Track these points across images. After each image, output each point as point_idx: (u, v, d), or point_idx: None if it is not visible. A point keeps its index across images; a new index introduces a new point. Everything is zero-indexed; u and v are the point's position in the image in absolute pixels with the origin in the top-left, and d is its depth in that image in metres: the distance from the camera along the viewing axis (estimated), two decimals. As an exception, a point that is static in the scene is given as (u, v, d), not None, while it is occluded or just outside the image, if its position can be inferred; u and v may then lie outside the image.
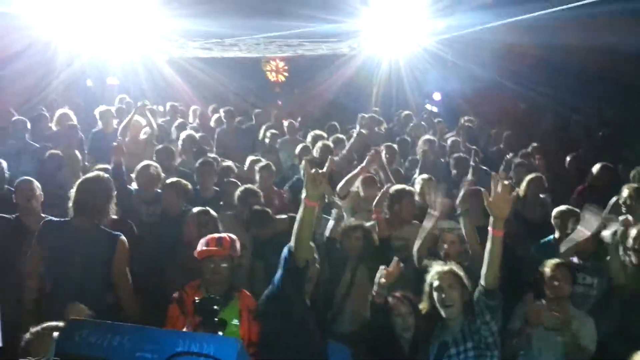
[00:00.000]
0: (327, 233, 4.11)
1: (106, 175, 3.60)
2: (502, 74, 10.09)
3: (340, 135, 6.94)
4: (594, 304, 3.76)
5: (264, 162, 5.53)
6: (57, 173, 5.15)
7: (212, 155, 6.23)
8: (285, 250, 2.77)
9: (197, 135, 7.02)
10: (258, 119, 9.25)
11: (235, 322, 2.91)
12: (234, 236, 3.19)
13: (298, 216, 2.70)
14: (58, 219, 3.44)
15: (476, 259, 3.35)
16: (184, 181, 4.60)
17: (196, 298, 2.30)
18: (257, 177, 5.29)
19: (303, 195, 2.67)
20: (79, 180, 3.52)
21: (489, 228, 2.67)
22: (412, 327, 3.00)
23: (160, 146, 5.99)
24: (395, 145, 6.66)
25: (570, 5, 6.32)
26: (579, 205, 4.50)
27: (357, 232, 3.91)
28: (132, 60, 11.11)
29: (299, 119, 9.21)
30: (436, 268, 3.01)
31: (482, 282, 2.75)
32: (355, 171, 4.85)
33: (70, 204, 3.37)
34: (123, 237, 3.37)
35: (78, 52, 10.13)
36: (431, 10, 9.02)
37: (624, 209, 4.48)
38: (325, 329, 3.42)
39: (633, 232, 3.54)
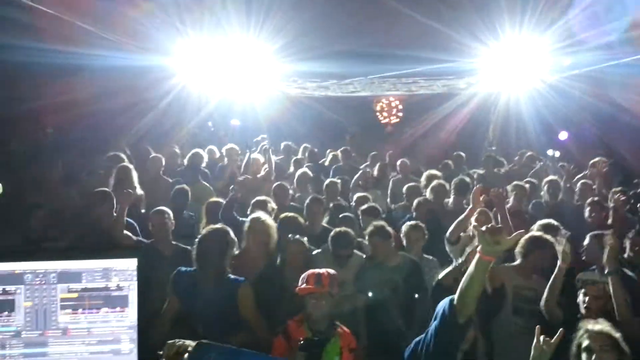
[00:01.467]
0: (439, 277, 3.96)
1: (227, 229, 3.79)
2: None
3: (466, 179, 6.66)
4: None
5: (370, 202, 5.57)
6: (185, 205, 5.63)
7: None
8: (446, 302, 2.60)
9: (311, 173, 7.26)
10: (373, 160, 9.31)
11: (336, 359, 2.95)
12: (333, 272, 3.22)
13: (469, 270, 2.49)
14: (186, 269, 3.66)
15: (622, 321, 3.04)
16: (298, 217, 4.76)
17: (301, 339, 2.33)
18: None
19: (478, 247, 2.47)
20: (200, 235, 3.78)
21: None
22: None
23: (277, 183, 6.29)
24: (527, 186, 6.29)
25: None
26: None
27: None
28: (252, 102, 11.88)
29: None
30: (587, 326, 2.71)
31: None
32: (465, 213, 4.69)
33: (194, 257, 3.63)
34: (246, 284, 3.52)
35: (207, 97, 11.12)
36: (554, 47, 8.61)
37: None
38: None
39: None
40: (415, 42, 8.00)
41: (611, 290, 3.37)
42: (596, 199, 5.76)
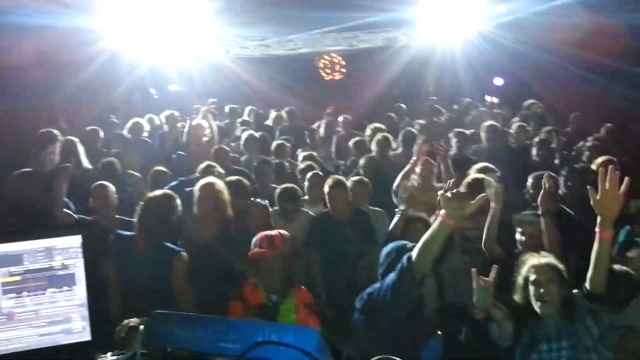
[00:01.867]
0: (389, 228, 4.08)
1: (170, 194, 3.72)
2: (565, 58, 9.59)
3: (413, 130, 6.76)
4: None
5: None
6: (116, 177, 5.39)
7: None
8: (404, 259, 2.64)
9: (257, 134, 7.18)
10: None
11: (293, 316, 3.02)
12: (284, 232, 3.24)
13: (431, 231, 2.55)
14: (127, 233, 3.61)
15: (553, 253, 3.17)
16: (244, 180, 4.72)
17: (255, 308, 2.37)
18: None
19: (442, 211, 2.52)
20: (144, 199, 3.69)
21: (596, 229, 2.48)
22: (511, 336, 2.75)
23: (217, 147, 6.20)
24: (468, 132, 6.48)
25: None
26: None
27: (417, 224, 3.84)
28: (190, 66, 11.43)
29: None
30: (532, 261, 2.81)
31: (587, 285, 2.61)
32: (409, 164, 4.81)
33: (135, 221, 3.56)
34: (183, 255, 3.49)
35: (139, 61, 10.56)
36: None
37: None
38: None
39: None
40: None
41: (544, 231, 3.53)
42: (543, 137, 6.03)
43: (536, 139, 6.08)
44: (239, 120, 8.90)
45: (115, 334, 2.72)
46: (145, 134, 7.35)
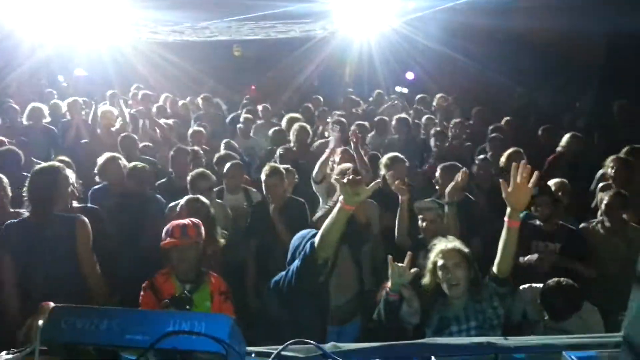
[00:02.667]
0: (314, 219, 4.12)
1: (58, 165, 3.58)
2: (468, 53, 10.24)
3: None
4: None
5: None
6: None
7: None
8: (307, 245, 2.68)
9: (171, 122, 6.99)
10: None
11: (207, 304, 2.97)
12: (197, 221, 3.16)
13: (330, 217, 2.57)
14: (17, 220, 3.39)
15: None
16: (146, 166, 4.60)
17: (167, 300, 2.51)
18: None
19: (340, 197, 2.56)
20: (31, 173, 3.52)
21: (505, 218, 2.61)
22: (418, 311, 2.86)
23: (123, 135, 5.94)
24: (366, 123, 6.67)
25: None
26: (552, 175, 4.65)
27: None
28: (99, 49, 10.79)
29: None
30: (440, 246, 2.92)
31: (494, 269, 2.72)
32: (326, 153, 4.84)
33: (26, 197, 3.39)
34: (82, 218, 3.36)
35: (41, 42, 9.80)
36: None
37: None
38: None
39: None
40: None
41: (448, 218, 3.72)
42: (439, 129, 6.37)
43: (432, 131, 6.39)
44: (154, 107, 8.57)
45: (18, 334, 2.52)
46: (47, 120, 6.84)
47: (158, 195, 4.63)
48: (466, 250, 2.91)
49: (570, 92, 9.17)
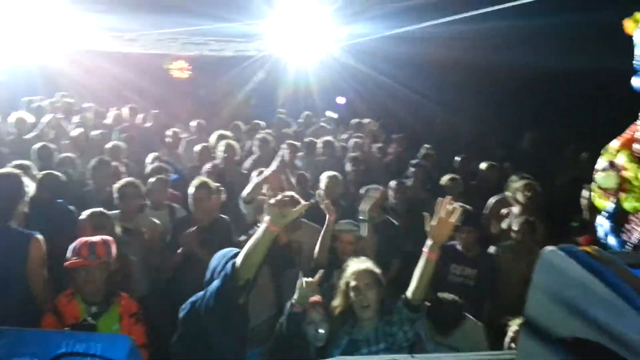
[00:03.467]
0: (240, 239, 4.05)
1: (16, 172, 3.41)
2: (397, 81, 10.72)
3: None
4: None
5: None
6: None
7: None
8: (229, 265, 2.59)
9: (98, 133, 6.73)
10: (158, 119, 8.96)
11: (116, 327, 2.82)
12: (108, 238, 3.02)
13: (255, 237, 2.53)
14: None
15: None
16: (60, 174, 4.43)
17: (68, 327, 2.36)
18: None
19: (266, 217, 2.53)
20: None
21: (424, 249, 2.69)
22: (325, 336, 2.86)
23: (40, 144, 5.64)
24: (297, 143, 6.75)
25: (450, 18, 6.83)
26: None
27: None
28: (21, 55, 10.17)
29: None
30: (353, 266, 2.93)
31: (408, 294, 2.77)
32: (263, 176, 4.71)
33: None
34: (37, 236, 3.18)
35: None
36: (335, 17, 9.32)
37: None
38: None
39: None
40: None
41: (365, 238, 3.78)
42: (356, 154, 6.53)
43: (350, 156, 6.52)
44: (76, 117, 8.19)
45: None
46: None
47: (71, 207, 4.39)
48: (378, 271, 2.93)
49: (491, 122, 9.79)
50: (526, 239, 4.37)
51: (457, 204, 2.71)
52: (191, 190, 4.25)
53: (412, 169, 6.29)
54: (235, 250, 2.80)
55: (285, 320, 2.88)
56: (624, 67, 2.51)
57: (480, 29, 7.37)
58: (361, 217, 3.84)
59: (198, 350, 2.64)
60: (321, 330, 2.85)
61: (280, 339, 2.93)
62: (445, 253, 3.61)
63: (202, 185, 4.21)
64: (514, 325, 2.94)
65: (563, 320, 1.24)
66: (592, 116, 8.06)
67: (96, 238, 2.96)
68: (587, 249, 1.30)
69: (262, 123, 8.83)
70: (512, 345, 2.91)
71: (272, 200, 2.52)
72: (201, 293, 2.73)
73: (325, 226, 3.77)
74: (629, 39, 2.42)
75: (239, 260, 2.56)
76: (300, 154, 6.90)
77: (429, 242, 2.69)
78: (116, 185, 4.29)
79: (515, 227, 4.46)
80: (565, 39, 8.14)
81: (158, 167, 5.35)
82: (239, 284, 2.56)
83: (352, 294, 2.86)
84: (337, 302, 2.95)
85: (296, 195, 3.42)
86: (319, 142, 6.93)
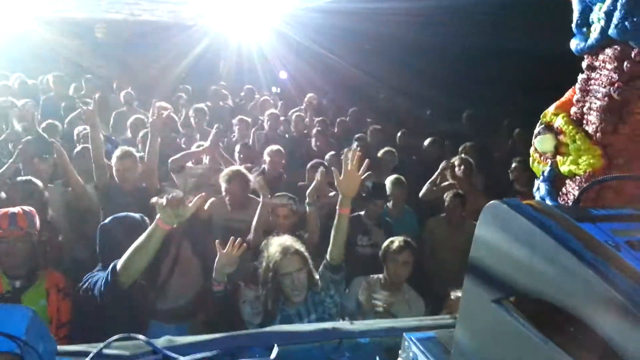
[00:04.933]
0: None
1: None
2: (340, 55, 10.63)
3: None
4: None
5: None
6: None
7: None
8: (109, 269, 2.43)
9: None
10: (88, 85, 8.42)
11: (43, 302, 2.68)
12: (29, 208, 2.83)
13: (143, 237, 2.39)
14: None
15: (312, 243, 3.42)
16: None
17: None
18: None
19: (157, 216, 2.38)
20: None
21: (337, 207, 2.67)
22: (261, 313, 2.77)
23: None
24: (249, 119, 6.61)
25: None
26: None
27: None
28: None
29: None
30: (278, 249, 2.76)
31: (327, 257, 2.76)
32: (199, 150, 4.77)
33: None
34: None
35: None
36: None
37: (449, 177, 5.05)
38: (149, 307, 3.16)
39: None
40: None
41: (307, 217, 3.69)
42: (319, 128, 6.45)
43: (314, 130, 6.49)
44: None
45: None
46: None
47: None
48: (302, 247, 2.83)
49: (430, 98, 9.93)
50: (455, 212, 4.48)
51: (357, 154, 2.69)
52: (114, 159, 4.16)
53: (355, 144, 6.25)
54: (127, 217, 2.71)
55: (211, 300, 2.78)
56: (561, 40, 2.51)
57: (423, 6, 7.38)
58: (307, 201, 3.71)
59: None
60: (259, 309, 2.75)
61: (210, 316, 2.84)
62: (351, 225, 3.53)
63: (126, 154, 4.13)
64: (453, 296, 2.95)
65: (506, 277, 1.19)
66: (533, 93, 8.32)
67: (16, 208, 2.75)
68: (531, 202, 1.25)
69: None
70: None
71: (164, 201, 2.41)
72: (96, 275, 2.59)
73: (259, 206, 3.64)
74: (563, 10, 2.42)
75: (119, 264, 2.43)
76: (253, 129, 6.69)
77: (339, 198, 2.67)
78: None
79: (446, 202, 4.53)
80: (501, 15, 8.31)
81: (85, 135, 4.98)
82: (125, 287, 2.44)
83: (283, 279, 2.73)
84: (267, 282, 2.77)
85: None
86: (265, 114, 6.76)
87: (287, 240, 2.88)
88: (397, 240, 3.43)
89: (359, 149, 2.74)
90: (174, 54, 11.29)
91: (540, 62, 7.21)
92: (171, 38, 11.59)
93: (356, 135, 6.60)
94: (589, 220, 1.16)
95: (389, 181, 4.70)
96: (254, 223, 3.62)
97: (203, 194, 2.61)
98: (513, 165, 5.27)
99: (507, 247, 1.16)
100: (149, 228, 2.42)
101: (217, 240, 2.77)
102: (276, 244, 2.83)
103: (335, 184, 2.66)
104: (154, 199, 2.63)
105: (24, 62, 9.89)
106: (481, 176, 5.49)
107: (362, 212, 4.33)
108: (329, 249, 2.77)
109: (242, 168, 4.26)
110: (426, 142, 6.31)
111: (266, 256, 2.81)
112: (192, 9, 10.36)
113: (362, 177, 2.67)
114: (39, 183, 3.62)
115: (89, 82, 8.64)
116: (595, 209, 1.29)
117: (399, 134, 6.97)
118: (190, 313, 3.29)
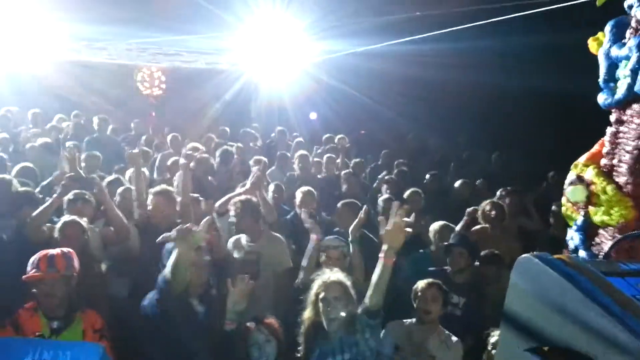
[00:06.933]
0: None
1: None
2: (369, 96, 10.88)
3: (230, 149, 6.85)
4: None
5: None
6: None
7: None
8: (160, 278, 2.61)
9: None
10: (137, 130, 8.83)
11: None
12: (69, 250, 2.90)
13: (175, 254, 2.64)
14: None
15: (357, 281, 3.38)
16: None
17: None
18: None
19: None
20: None
21: (380, 255, 2.70)
22: (272, 356, 2.78)
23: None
24: (265, 159, 6.77)
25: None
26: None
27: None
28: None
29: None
30: (322, 278, 2.90)
31: (366, 301, 2.77)
32: (242, 191, 4.71)
33: None
34: None
35: None
36: (309, 33, 9.41)
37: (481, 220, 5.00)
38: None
39: None
40: (174, 12, 7.78)
41: (352, 256, 3.74)
42: (350, 171, 6.56)
43: (344, 173, 6.55)
44: (48, 125, 8.03)
45: None
46: None
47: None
48: (347, 282, 2.91)
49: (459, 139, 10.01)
50: (490, 269, 4.19)
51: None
52: (150, 196, 4.23)
53: (384, 185, 6.32)
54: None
55: (220, 340, 2.79)
56: (590, 86, 2.60)
57: (452, 48, 7.56)
58: (350, 239, 3.78)
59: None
60: (268, 350, 2.77)
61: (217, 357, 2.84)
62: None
63: (162, 191, 4.19)
64: (494, 337, 2.94)
65: (539, 327, 1.26)
66: (560, 135, 8.32)
67: (56, 250, 2.83)
68: (562, 256, 1.32)
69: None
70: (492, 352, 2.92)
71: (173, 233, 2.66)
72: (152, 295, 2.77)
73: (312, 247, 3.73)
74: (593, 58, 2.52)
75: (167, 271, 2.65)
76: (272, 168, 6.89)
77: (384, 247, 2.70)
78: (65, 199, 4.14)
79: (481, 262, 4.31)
80: (531, 60, 8.43)
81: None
82: (176, 294, 2.65)
83: (320, 305, 2.82)
84: (307, 313, 2.91)
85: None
86: (295, 156, 6.92)
87: (337, 271, 2.97)
88: (425, 280, 3.47)
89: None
90: (209, 97, 11.75)
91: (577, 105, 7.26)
92: (204, 82, 12.10)
93: (386, 178, 6.67)
94: (618, 274, 1.23)
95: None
96: (304, 263, 3.69)
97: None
98: (553, 208, 5.19)
99: (540, 299, 1.24)
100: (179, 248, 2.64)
101: (228, 280, 2.83)
102: (326, 274, 2.93)
103: (381, 234, 2.70)
104: (164, 235, 2.76)
105: (81, 106, 10.42)
106: (514, 219, 5.41)
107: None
108: (368, 294, 2.78)
109: (253, 198, 4.29)
110: (457, 184, 6.33)
111: (314, 285, 2.90)
112: (229, 58, 10.82)
113: (407, 230, 2.69)
114: (84, 223, 3.65)
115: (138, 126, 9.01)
116: (625, 263, 1.36)
117: (427, 175, 6.95)
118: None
